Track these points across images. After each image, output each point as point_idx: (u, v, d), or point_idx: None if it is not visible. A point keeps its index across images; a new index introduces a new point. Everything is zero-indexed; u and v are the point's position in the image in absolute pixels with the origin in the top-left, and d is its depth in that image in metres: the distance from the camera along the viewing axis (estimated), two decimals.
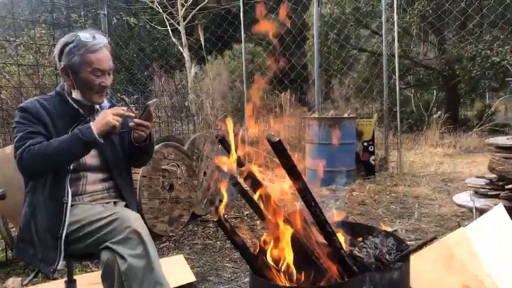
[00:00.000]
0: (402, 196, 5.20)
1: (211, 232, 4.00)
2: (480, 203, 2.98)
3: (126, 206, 2.10)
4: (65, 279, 2.16)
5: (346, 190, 5.49)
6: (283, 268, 1.16)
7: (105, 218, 1.84)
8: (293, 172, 1.16)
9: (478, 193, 3.11)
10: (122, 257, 1.75)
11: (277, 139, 1.10)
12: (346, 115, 6.19)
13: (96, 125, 1.84)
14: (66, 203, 1.87)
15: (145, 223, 3.74)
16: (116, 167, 2.08)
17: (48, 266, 1.85)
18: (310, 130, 5.98)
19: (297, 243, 1.18)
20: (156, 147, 3.91)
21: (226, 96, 8.22)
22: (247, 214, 4.43)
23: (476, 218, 2.86)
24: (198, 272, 3.13)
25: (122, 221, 1.82)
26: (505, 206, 2.55)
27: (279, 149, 1.10)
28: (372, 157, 6.29)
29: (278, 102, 8.54)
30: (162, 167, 3.88)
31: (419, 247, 1.24)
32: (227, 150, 1.24)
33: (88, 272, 3.06)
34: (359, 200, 5.01)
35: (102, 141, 1.87)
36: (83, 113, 1.99)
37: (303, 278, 1.14)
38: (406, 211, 4.57)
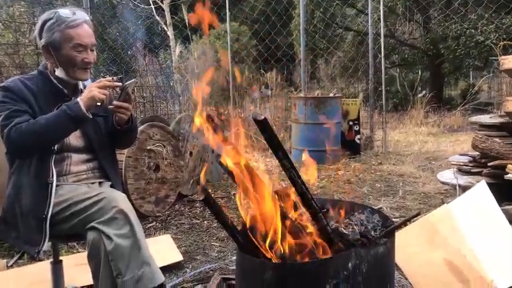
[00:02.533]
0: (387, 175, 5.26)
1: (198, 212, 4.01)
2: (463, 180, 3.02)
3: (111, 186, 2.09)
4: (51, 260, 2.14)
5: (332, 169, 5.53)
6: (269, 244, 1.16)
7: (91, 198, 1.83)
8: (278, 150, 1.15)
9: (462, 170, 3.15)
10: (108, 237, 1.74)
11: (263, 117, 1.09)
12: (331, 95, 6.20)
13: (82, 100, 1.81)
14: (51, 183, 1.85)
15: (132, 204, 3.75)
16: (100, 147, 2.05)
17: (33, 247, 1.83)
18: (296, 110, 5.98)
19: (283, 220, 1.18)
20: (141, 127, 3.87)
21: (212, 76, 8.12)
22: (234, 194, 4.44)
23: (459, 195, 2.90)
24: (185, 251, 3.14)
25: (108, 201, 1.80)
26: (487, 183, 2.59)
27: (264, 127, 1.09)
28: (357, 136, 6.33)
29: (264, 82, 8.50)
30: (148, 148, 3.86)
31: (404, 223, 1.26)
32: (212, 128, 1.23)
33: (74, 253, 3.05)
34: (344, 178, 5.06)
35: (91, 117, 1.84)
36: (66, 93, 1.95)
37: (288, 254, 1.15)
38: (390, 189, 4.62)
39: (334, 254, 1.17)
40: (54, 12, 1.86)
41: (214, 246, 3.22)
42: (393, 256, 1.26)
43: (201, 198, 1.16)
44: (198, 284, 2.59)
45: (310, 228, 1.19)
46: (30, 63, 5.99)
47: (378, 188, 4.69)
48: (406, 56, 14.12)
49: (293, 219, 1.21)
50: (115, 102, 1.94)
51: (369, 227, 1.29)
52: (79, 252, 3.02)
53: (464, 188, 2.88)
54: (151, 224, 3.73)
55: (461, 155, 3.27)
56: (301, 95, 6.45)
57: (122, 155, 3.75)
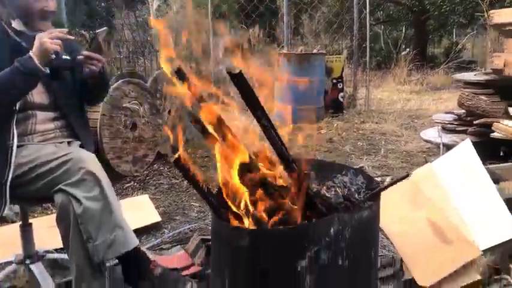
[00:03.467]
0: (369, 133, 5.20)
1: (178, 171, 3.91)
2: (447, 138, 2.97)
3: (81, 146, 1.96)
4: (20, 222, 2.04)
5: (315, 128, 5.46)
6: (245, 209, 1.07)
7: (57, 158, 1.71)
8: (256, 107, 1.04)
9: (446, 129, 3.10)
10: (77, 200, 1.64)
11: (238, 70, 0.98)
12: (315, 51, 6.04)
13: (34, 53, 1.65)
14: (11, 147, 1.71)
15: (108, 163, 3.64)
16: (67, 104, 1.92)
17: None
18: (279, 66, 5.82)
19: (261, 183, 1.09)
20: (116, 84, 3.70)
21: (192, 31, 7.84)
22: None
23: (443, 154, 2.86)
24: (164, 211, 3.07)
25: (75, 162, 1.69)
26: (472, 142, 2.54)
27: (239, 81, 0.98)
28: (341, 94, 6.23)
29: (246, 38, 8.25)
30: (124, 105, 3.70)
31: (390, 185, 1.18)
32: (184, 83, 1.11)
33: (49, 214, 2.94)
34: (327, 137, 4.99)
35: (46, 71, 1.69)
36: (25, 45, 1.78)
37: (266, 220, 1.07)
38: (372, 148, 4.58)
39: (315, 219, 1.09)
40: None
41: (193, 207, 3.14)
42: (378, 220, 1.19)
43: (172, 160, 1.05)
44: (177, 245, 2.53)
45: (290, 191, 1.10)
46: None
47: (360, 146, 4.64)
48: (391, 12, 13.87)
49: (272, 182, 1.12)
50: (85, 53, 1.78)
51: (353, 190, 1.21)
52: (53, 213, 2.92)
53: (448, 147, 2.83)
54: (129, 184, 3.64)
55: (446, 113, 3.21)
56: (284, 51, 6.27)
57: (96, 114, 3.60)
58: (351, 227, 1.03)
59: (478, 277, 1.84)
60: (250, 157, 1.10)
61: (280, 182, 1.12)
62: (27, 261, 2.02)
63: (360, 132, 5.26)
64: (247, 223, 1.07)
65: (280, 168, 1.14)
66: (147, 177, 3.79)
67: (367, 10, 6.62)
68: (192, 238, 2.36)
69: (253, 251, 1.02)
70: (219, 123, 1.07)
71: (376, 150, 4.45)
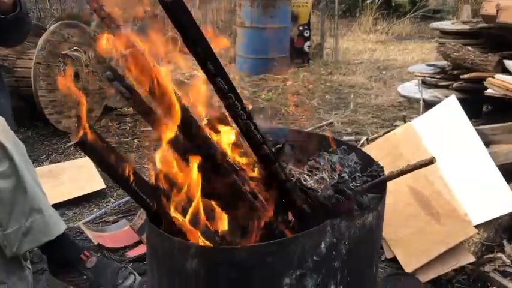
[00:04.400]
0: (337, 86, 4.90)
1: (128, 128, 3.51)
2: (428, 94, 2.68)
3: None
4: None
5: (279, 79, 5.09)
6: (193, 215, 0.73)
7: None
8: (196, 45, 0.67)
9: (426, 83, 2.81)
10: None
11: None
12: None
13: None
14: None
15: (47, 119, 3.19)
16: None
17: None
18: (241, 11, 5.34)
19: (216, 170, 0.74)
20: (53, 27, 3.20)
21: None
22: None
23: (423, 112, 2.58)
24: None
25: None
26: (457, 98, 2.26)
27: (175, 13, 0.61)
28: (307, 43, 5.84)
29: None
30: (63, 52, 3.20)
31: (403, 172, 0.86)
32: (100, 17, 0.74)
33: None
34: (293, 90, 4.65)
35: None
36: None
37: (225, 231, 0.73)
38: (341, 102, 4.29)
39: (296, 223, 0.76)
40: None
41: (145, 170, 2.78)
42: (382, 224, 0.87)
43: (73, 141, 0.69)
44: (123, 217, 2.18)
45: (257, 181, 0.76)
46: None
47: (328, 100, 4.34)
48: None
49: (232, 169, 0.77)
50: None
51: (345, 175, 0.88)
52: None
53: (429, 104, 2.54)
54: (71, 143, 3.20)
55: (427, 65, 2.91)
56: None
57: (29, 62, 3.11)
58: (349, 238, 0.71)
59: (472, 258, 1.59)
60: (199, 129, 0.74)
61: (244, 167, 0.77)
62: None
63: (328, 84, 4.94)
64: (197, 237, 0.73)
65: (243, 147, 0.79)
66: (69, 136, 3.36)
67: None
68: (140, 212, 2.01)
69: (206, 276, 0.69)
70: (152, 78, 0.70)
71: (345, 105, 4.16)
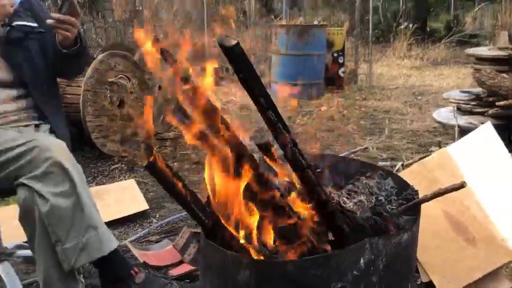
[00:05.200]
0: (372, 111, 4.94)
1: (168, 152, 3.65)
2: (463, 120, 2.71)
3: (51, 130, 1.68)
4: None
5: (314, 105, 5.17)
6: (245, 230, 0.82)
7: (18, 146, 1.43)
8: (257, 91, 0.77)
9: (461, 109, 2.83)
10: (42, 197, 1.37)
11: (234, 42, 0.71)
12: (316, 22, 5.70)
13: None
14: None
15: (94, 143, 3.37)
16: (34, 81, 1.63)
17: None
18: (276, 39, 5.50)
19: (265, 193, 0.83)
20: (101, 56, 3.40)
21: (184, 1, 7.47)
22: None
23: (457, 138, 2.60)
24: (153, 197, 2.82)
25: (40, 151, 1.41)
26: (492, 125, 2.28)
27: (234, 56, 0.71)
28: (342, 69, 5.93)
29: (242, 9, 7.88)
30: (109, 80, 3.40)
31: (435, 196, 0.92)
32: (168, 62, 0.85)
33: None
34: (327, 115, 4.72)
35: None
36: None
37: (273, 247, 0.81)
38: (376, 127, 4.32)
39: (336, 241, 0.84)
40: None
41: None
42: (417, 243, 0.93)
43: (144, 164, 0.79)
44: (165, 237, 2.28)
45: (302, 204, 0.84)
46: None
47: (363, 125, 4.38)
48: None
49: (278, 191, 0.85)
50: (55, 15, 1.47)
51: (382, 198, 0.96)
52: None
53: (464, 130, 2.56)
54: (116, 166, 3.37)
55: (461, 91, 2.94)
56: (283, 22, 5.92)
57: (80, 88, 3.31)
58: (385, 255, 0.78)
59: (509, 284, 1.60)
60: (251, 158, 0.84)
61: (290, 190, 0.86)
62: None
63: (362, 110, 4.99)
64: (249, 250, 0.81)
65: (289, 173, 0.87)
66: (136, 158, 3.52)
67: None
68: (182, 232, 2.11)
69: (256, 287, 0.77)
70: (210, 111, 0.80)
71: (380, 130, 4.19)
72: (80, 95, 3.24)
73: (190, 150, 3.68)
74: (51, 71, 1.70)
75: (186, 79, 0.83)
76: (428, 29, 13.91)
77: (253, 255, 0.82)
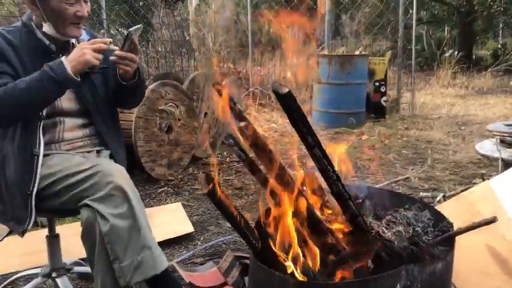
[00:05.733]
0: (414, 140, 4.93)
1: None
2: (507, 153, 2.70)
3: (111, 155, 1.84)
4: (47, 234, 1.94)
5: (355, 133, 5.22)
6: (292, 254, 0.91)
7: (84, 171, 1.59)
8: (307, 133, 0.87)
9: (505, 142, 2.82)
10: (103, 217, 1.51)
11: (287, 90, 0.81)
12: (357, 52, 5.79)
13: (71, 62, 1.53)
14: (38, 155, 1.60)
15: (143, 167, 3.54)
16: (97, 111, 1.79)
17: (19, 225, 1.62)
18: (318, 69, 5.61)
19: (310, 221, 0.92)
20: (152, 85, 3.60)
21: (230, 31, 7.74)
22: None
23: (501, 171, 2.59)
24: (197, 220, 2.94)
25: (103, 175, 1.56)
26: None
27: (288, 102, 0.81)
28: (383, 98, 5.96)
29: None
30: (159, 108, 3.59)
31: (471, 228, 0.98)
32: (230, 107, 0.96)
33: (77, 220, 2.85)
34: (369, 144, 4.75)
35: (79, 80, 1.56)
36: (55, 50, 1.67)
37: (317, 270, 0.90)
38: (418, 157, 4.31)
39: (375, 267, 0.91)
40: None
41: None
42: (451, 272, 0.99)
43: (204, 191, 0.90)
44: (209, 260, 2.38)
45: (344, 232, 0.92)
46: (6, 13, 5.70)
47: (405, 155, 4.38)
48: (436, 12, 13.34)
49: (322, 220, 0.94)
50: (118, 53, 1.64)
51: (419, 229, 1.02)
52: (76, 221, 2.83)
53: (508, 163, 2.56)
54: (162, 189, 3.53)
55: (505, 125, 2.93)
56: (325, 52, 6.05)
57: (132, 115, 3.51)
58: (420, 282, 0.84)
59: None
60: (298, 189, 0.93)
61: (332, 218, 0.94)
62: (53, 275, 1.92)
63: (404, 139, 4.98)
64: (294, 272, 0.90)
65: (330, 199, 0.96)
66: (181, 182, 3.67)
67: (414, 10, 6.30)
68: (226, 255, 2.20)
69: None
70: (263, 149, 0.91)
71: (422, 160, 4.18)
72: (132, 121, 3.44)
73: (233, 175, 3.81)
74: (112, 101, 1.87)
75: (240, 116, 0.94)
76: (474, 57, 13.72)
77: (298, 277, 0.90)
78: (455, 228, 1.05)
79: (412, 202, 1.17)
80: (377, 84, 5.90)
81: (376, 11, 8.21)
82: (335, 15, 8.51)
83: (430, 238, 1.01)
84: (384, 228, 1.01)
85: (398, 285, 0.84)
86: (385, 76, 5.96)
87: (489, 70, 10.41)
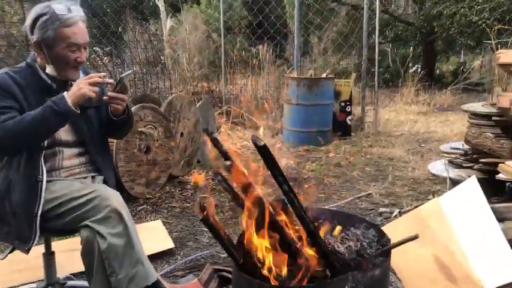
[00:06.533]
0: (377, 158, 5.28)
1: (189, 194, 4.01)
2: (454, 173, 3.05)
3: (104, 180, 2.07)
4: (43, 251, 2.14)
5: (323, 151, 5.55)
6: (267, 264, 1.16)
7: (85, 195, 1.81)
8: (278, 175, 1.13)
9: (453, 163, 3.17)
10: (102, 236, 1.73)
11: (263, 143, 1.07)
12: (324, 75, 6.16)
13: (71, 96, 1.76)
14: (41, 181, 1.82)
15: (123, 186, 3.74)
16: (91, 141, 2.03)
17: (23, 244, 1.83)
18: (288, 90, 5.94)
19: (280, 237, 1.18)
20: (133, 108, 3.81)
21: (203, 51, 8.02)
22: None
23: (449, 188, 2.93)
24: (177, 237, 3.15)
25: (101, 200, 1.79)
26: (478, 178, 2.61)
27: (264, 153, 1.07)
28: (349, 117, 6.33)
29: (257, 57, 8.38)
30: (139, 129, 3.81)
31: (401, 243, 1.26)
32: (216, 147, 1.21)
33: (67, 238, 3.03)
34: (334, 161, 5.07)
35: (79, 111, 1.79)
36: (55, 88, 1.90)
37: (286, 276, 1.16)
38: (380, 174, 4.65)
39: (331, 277, 1.18)
40: (48, 7, 1.79)
41: (205, 232, 3.23)
42: (388, 276, 1.27)
43: (200, 218, 1.15)
44: (190, 273, 2.61)
45: (306, 246, 1.19)
46: (17, 34, 5.84)
47: (368, 172, 4.72)
48: (399, 32, 13.99)
49: (290, 236, 1.21)
50: (110, 94, 1.89)
51: (365, 244, 1.30)
52: (72, 237, 3.01)
53: (455, 182, 2.90)
54: (142, 207, 3.73)
55: (452, 148, 3.28)
56: (294, 74, 6.39)
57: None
58: (363, 284, 1.12)
59: None
60: (273, 215, 1.20)
61: (298, 235, 1.21)
62: None
63: (368, 156, 5.34)
64: (269, 279, 1.16)
65: (296, 222, 1.22)
66: (160, 200, 3.88)
67: (377, 34, 6.73)
68: (205, 268, 2.44)
69: None
70: (243, 183, 1.17)
71: (383, 177, 4.52)
72: (113, 143, 3.64)
73: (208, 193, 4.04)
74: (104, 133, 2.11)
75: (227, 157, 1.21)
76: (436, 74, 14.39)
77: (271, 282, 1.16)
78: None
79: (360, 222, 1.46)
80: (343, 104, 6.26)
81: (341, 33, 8.64)
82: (304, 40, 8.89)
83: (373, 251, 1.29)
84: (338, 243, 1.29)
85: (346, 287, 1.11)
86: (350, 97, 6.33)
87: (449, 88, 10.98)
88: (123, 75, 1.91)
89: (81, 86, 1.77)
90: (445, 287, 2.09)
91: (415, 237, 1.32)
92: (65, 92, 1.79)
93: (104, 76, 1.85)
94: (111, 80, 1.88)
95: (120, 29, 7.76)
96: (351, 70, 9.79)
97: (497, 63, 2.96)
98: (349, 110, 6.31)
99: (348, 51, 10.31)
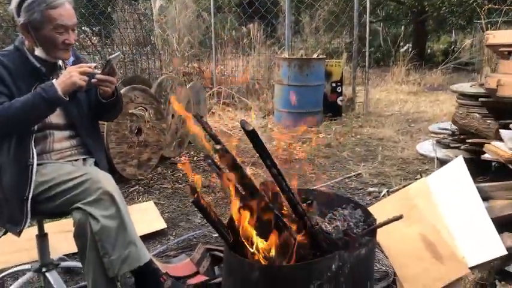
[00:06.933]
0: (367, 138, 5.33)
1: (181, 175, 4.04)
2: (442, 153, 3.10)
3: (95, 162, 2.08)
4: (36, 233, 2.16)
5: (313, 132, 5.58)
6: (256, 244, 1.20)
7: (76, 178, 1.83)
8: (267, 159, 1.16)
9: (441, 143, 3.22)
10: (95, 218, 1.76)
11: (251, 128, 1.09)
12: (315, 56, 6.14)
13: (60, 84, 1.76)
14: (32, 165, 1.83)
15: (114, 168, 3.75)
16: (81, 124, 2.03)
17: (15, 227, 1.84)
18: (279, 71, 5.93)
19: (270, 218, 1.22)
20: (123, 90, 3.80)
21: (194, 30, 7.95)
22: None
23: (437, 168, 2.98)
24: (169, 217, 3.19)
25: (93, 182, 1.80)
26: (465, 158, 2.66)
27: (253, 137, 1.10)
28: (340, 98, 6.34)
29: (247, 36, 8.32)
30: (130, 111, 3.81)
31: (386, 223, 1.30)
32: (206, 131, 1.23)
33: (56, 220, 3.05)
34: (325, 142, 5.11)
35: (67, 99, 1.80)
36: (44, 72, 1.89)
37: (275, 255, 1.19)
38: (370, 154, 4.70)
39: (319, 256, 1.22)
40: None
41: (196, 212, 3.26)
42: (374, 255, 1.31)
43: (191, 200, 1.17)
44: (182, 253, 2.65)
45: (295, 226, 1.22)
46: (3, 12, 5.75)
47: (358, 152, 4.77)
48: (391, 11, 13.94)
49: (279, 217, 1.24)
50: (99, 76, 1.89)
51: (352, 224, 1.34)
52: (60, 219, 3.03)
53: (442, 161, 2.95)
54: (134, 188, 3.75)
55: (440, 128, 3.32)
56: (285, 55, 6.37)
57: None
58: (350, 263, 1.16)
59: None
60: (262, 197, 1.22)
61: (287, 216, 1.24)
62: (43, 270, 2.15)
63: (358, 137, 5.38)
64: (259, 258, 1.20)
65: (287, 207, 1.25)
66: (151, 181, 3.91)
67: (367, 14, 6.71)
68: (197, 248, 2.48)
69: (264, 284, 1.15)
70: (233, 166, 1.19)
71: (373, 157, 4.57)
72: (104, 124, 3.64)
73: (200, 174, 4.07)
74: (94, 116, 2.11)
75: (217, 140, 1.23)
76: (427, 54, 14.40)
77: (261, 261, 1.20)
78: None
79: (348, 202, 1.49)
80: (334, 85, 6.27)
81: (333, 13, 8.58)
82: (295, 19, 8.83)
83: (359, 231, 1.32)
84: (326, 224, 1.33)
85: (333, 266, 1.15)
86: (341, 77, 6.34)
87: (439, 68, 11.01)
88: (111, 57, 1.91)
89: (72, 75, 1.77)
90: (431, 265, 2.15)
91: (399, 217, 1.35)
92: (55, 80, 1.79)
93: (94, 67, 1.85)
94: (98, 72, 1.88)
95: (109, 8, 7.65)
96: (342, 50, 9.77)
97: (486, 44, 2.98)
98: (340, 90, 6.33)
99: (339, 31, 10.27)
